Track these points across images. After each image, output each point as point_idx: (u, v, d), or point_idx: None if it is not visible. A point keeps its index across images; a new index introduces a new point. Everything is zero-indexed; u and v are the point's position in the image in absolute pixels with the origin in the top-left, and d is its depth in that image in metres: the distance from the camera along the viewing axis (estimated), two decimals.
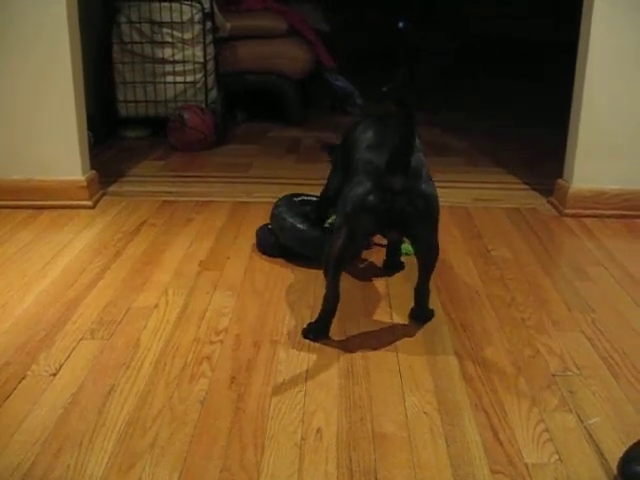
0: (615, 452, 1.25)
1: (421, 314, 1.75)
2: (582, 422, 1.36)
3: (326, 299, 1.64)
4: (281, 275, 2.00)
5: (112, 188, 2.74)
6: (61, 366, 1.53)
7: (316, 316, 1.67)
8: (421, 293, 1.73)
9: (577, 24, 2.49)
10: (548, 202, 2.66)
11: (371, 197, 1.50)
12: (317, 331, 1.66)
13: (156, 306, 1.81)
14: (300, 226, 2.02)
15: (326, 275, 1.63)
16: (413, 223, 1.55)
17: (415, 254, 1.71)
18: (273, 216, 2.10)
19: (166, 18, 3.46)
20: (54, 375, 1.49)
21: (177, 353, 1.59)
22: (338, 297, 1.63)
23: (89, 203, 2.52)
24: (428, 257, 1.67)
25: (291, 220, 2.03)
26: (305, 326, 1.68)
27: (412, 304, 1.76)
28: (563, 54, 3.35)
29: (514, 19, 5.40)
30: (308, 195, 2.21)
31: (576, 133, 2.50)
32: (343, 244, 1.56)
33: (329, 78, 4.17)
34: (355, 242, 1.60)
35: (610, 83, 2.43)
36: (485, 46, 5.33)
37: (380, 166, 1.51)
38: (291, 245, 2.05)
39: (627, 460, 1.19)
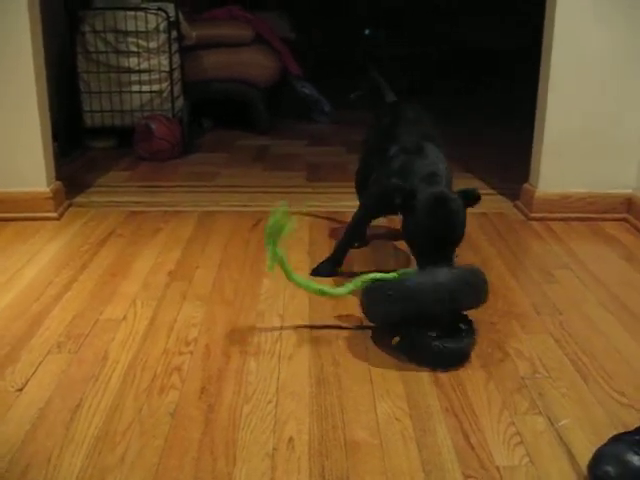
0: (585, 453, 1.26)
1: None
2: (552, 424, 1.37)
3: (348, 233, 1.95)
4: (250, 285, 1.99)
5: (78, 199, 2.71)
6: (28, 381, 1.50)
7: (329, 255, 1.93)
8: None
9: (536, 29, 2.54)
10: (515, 206, 2.68)
11: None
12: (327, 269, 1.95)
13: (124, 318, 1.79)
14: None
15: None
16: None
17: None
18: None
19: (131, 27, 3.43)
20: (20, 390, 1.47)
21: (146, 365, 1.57)
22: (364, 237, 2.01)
23: (55, 214, 2.49)
24: None
25: None
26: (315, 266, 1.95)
27: None
28: (529, 60, 3.39)
29: (482, 30, 5.50)
30: None
31: (541, 137, 2.53)
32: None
33: (296, 86, 4.19)
34: None
35: (575, 85, 2.46)
36: (456, 55, 5.44)
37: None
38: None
39: (597, 460, 1.20)
